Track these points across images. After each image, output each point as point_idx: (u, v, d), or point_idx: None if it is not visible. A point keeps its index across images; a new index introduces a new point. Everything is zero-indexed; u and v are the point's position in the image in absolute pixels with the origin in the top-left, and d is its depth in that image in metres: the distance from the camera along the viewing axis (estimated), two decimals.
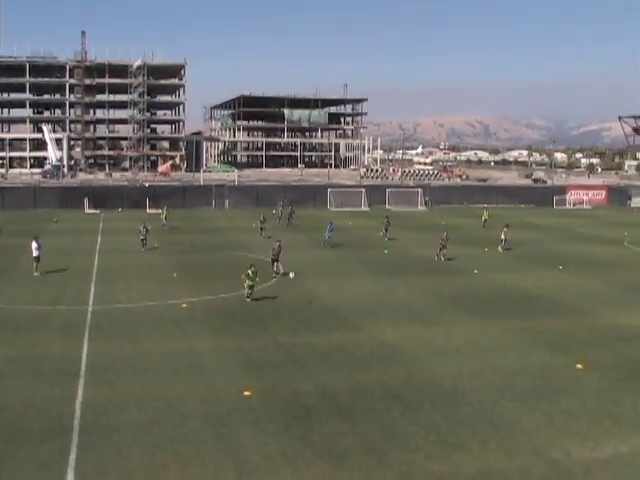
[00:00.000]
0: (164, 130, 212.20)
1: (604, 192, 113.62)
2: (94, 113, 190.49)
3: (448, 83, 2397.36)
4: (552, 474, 18.26)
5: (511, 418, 21.89)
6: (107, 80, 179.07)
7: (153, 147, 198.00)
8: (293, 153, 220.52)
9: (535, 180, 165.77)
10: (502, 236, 56.52)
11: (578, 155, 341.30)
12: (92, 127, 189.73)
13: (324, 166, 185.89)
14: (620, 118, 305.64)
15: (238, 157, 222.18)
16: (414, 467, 18.34)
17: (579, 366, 27.16)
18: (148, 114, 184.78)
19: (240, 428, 20.44)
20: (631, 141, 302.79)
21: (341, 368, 26.27)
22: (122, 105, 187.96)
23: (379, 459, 18.73)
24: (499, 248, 55.95)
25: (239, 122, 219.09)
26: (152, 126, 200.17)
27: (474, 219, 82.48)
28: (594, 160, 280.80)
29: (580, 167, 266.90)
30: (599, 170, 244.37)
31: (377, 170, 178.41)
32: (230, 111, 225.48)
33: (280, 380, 24.70)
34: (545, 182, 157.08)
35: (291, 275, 42.54)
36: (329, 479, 17.56)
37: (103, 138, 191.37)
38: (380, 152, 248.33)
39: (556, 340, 31.00)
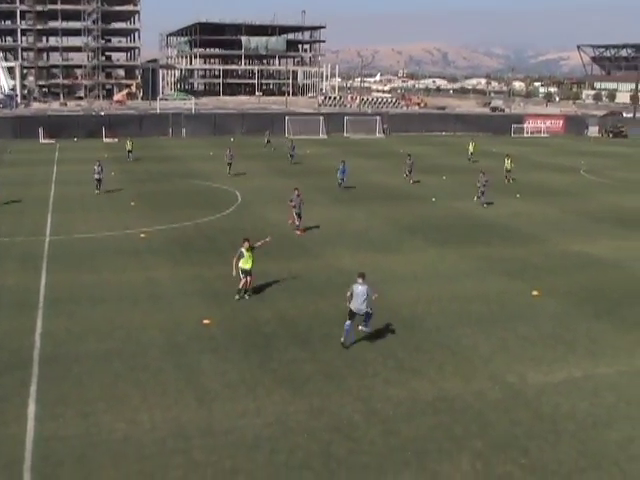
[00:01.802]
0: (119, 58, 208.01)
1: (561, 121, 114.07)
2: (47, 41, 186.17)
3: (407, 10, 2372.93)
4: (507, 398, 18.67)
5: (468, 343, 22.27)
6: (59, 6, 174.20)
7: (108, 75, 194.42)
8: (251, 81, 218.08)
9: (493, 109, 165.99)
10: (507, 166, 56.20)
11: (536, 84, 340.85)
12: (45, 55, 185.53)
13: (282, 94, 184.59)
14: (579, 47, 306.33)
15: (195, 85, 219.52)
16: (372, 392, 18.64)
17: (535, 292, 27.61)
18: (103, 41, 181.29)
19: (200, 356, 20.58)
20: (589, 70, 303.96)
21: (300, 296, 26.45)
22: (76, 32, 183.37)
23: (338, 385, 18.99)
24: (507, 180, 56.07)
25: (196, 49, 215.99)
26: (107, 54, 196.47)
27: (432, 147, 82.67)
28: (552, 89, 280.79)
29: (538, 96, 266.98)
30: (557, 99, 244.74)
31: (335, 98, 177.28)
32: (187, 38, 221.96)
33: (239, 309, 24.82)
34: (503, 110, 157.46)
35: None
36: (289, 405, 17.80)
37: (57, 66, 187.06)
38: (338, 80, 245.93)
39: (512, 267, 31.42)
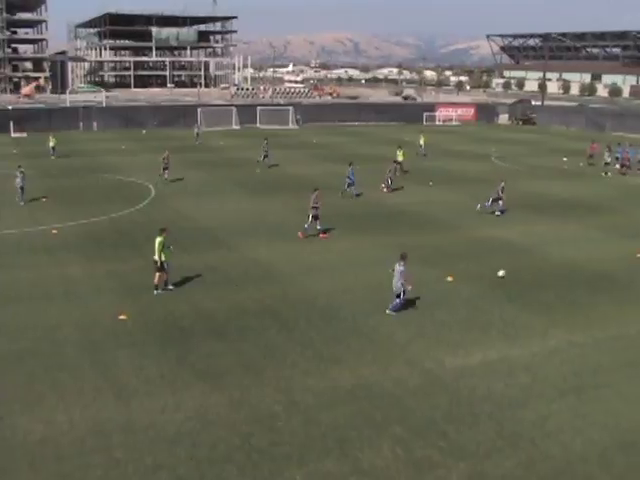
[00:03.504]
0: (26, 50, 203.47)
1: (472, 109, 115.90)
2: None
3: (319, 0, 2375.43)
4: (426, 383, 18.95)
5: (385, 331, 22.50)
6: None
7: (15, 68, 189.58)
8: (162, 72, 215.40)
9: (405, 97, 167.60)
10: (421, 142, 63.78)
11: (447, 73, 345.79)
12: None
13: (194, 85, 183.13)
14: (488, 37, 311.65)
15: (105, 77, 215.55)
16: (292, 383, 18.70)
17: (449, 278, 28.06)
18: (8, 33, 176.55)
19: (117, 353, 20.34)
20: (498, 59, 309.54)
21: (216, 288, 26.35)
22: None
23: (257, 376, 18.99)
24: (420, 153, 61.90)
25: (105, 41, 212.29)
26: (13, 46, 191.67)
27: (345, 136, 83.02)
28: (463, 78, 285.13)
29: (449, 85, 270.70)
30: (468, 88, 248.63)
31: (248, 89, 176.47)
32: (96, 29, 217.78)
33: (155, 303, 24.60)
34: (415, 99, 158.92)
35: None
36: (208, 399, 17.74)
37: None
38: (251, 71, 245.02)
39: (427, 254, 31.83)
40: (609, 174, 57.60)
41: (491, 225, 37.92)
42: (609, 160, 59.95)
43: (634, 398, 18.50)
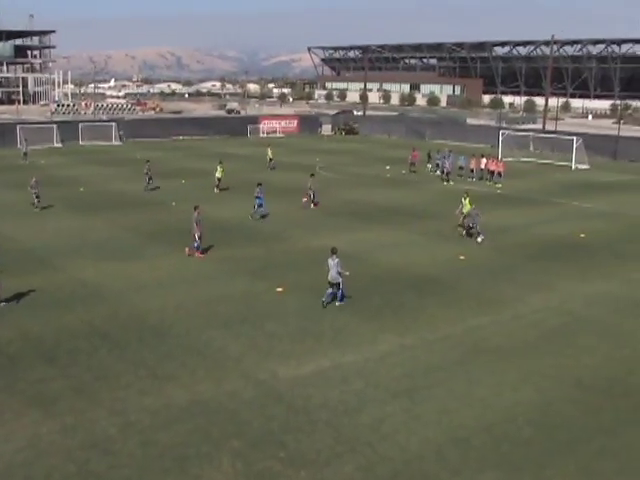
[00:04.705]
0: None
1: (296, 121, 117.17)
2: None
3: (140, 14, 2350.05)
4: (260, 395, 19.04)
5: (218, 345, 22.47)
6: None
7: None
8: None
9: (229, 111, 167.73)
10: (269, 155, 65.66)
11: (270, 85, 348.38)
12: None
13: (12, 102, 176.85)
14: (309, 49, 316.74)
15: None
16: (126, 404, 18.38)
17: (279, 289, 28.33)
18: None
19: None
20: (320, 71, 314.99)
21: (43, 311, 25.54)
22: None
23: (90, 400, 18.55)
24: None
25: None
26: None
27: (170, 151, 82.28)
28: (286, 90, 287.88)
29: (273, 97, 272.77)
30: (291, 100, 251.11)
31: (69, 105, 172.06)
32: None
33: None
34: (239, 112, 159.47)
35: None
36: (41, 426, 17.15)
37: None
38: (71, 86, 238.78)
39: (256, 266, 32.04)
40: (451, 182, 59.23)
41: (319, 235, 38.52)
42: (449, 169, 61.74)
43: (464, 395, 19.28)
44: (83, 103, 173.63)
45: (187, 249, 34.17)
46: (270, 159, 67.00)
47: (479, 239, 37.71)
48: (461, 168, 62.62)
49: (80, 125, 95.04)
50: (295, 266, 32.32)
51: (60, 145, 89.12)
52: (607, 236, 40.39)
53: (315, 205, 47.25)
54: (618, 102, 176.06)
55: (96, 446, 16.36)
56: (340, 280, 26.35)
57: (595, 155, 78.78)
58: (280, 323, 24.64)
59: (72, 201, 48.26)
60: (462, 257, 34.39)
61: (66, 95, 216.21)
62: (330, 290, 26.61)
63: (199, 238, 33.86)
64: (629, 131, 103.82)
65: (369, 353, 22.15)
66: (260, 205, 42.94)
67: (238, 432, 17.04)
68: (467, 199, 39.72)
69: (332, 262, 26.26)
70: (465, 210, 39.57)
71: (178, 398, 18.76)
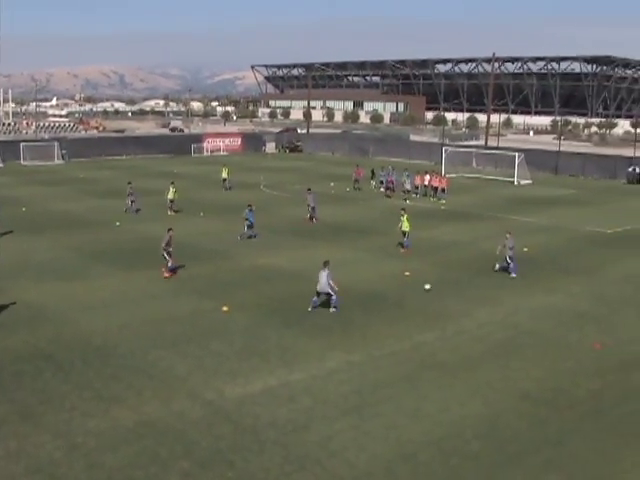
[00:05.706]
0: None
1: (240, 139, 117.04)
2: None
3: (81, 32, 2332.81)
4: (208, 414, 18.90)
5: (164, 365, 22.27)
6: None
7: None
8: None
9: (172, 129, 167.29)
10: (224, 175, 65.12)
11: (214, 103, 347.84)
12: None
13: None
14: (253, 67, 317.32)
15: None
16: (71, 426, 18.09)
17: (225, 308, 28.18)
18: None
19: None
20: (264, 89, 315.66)
21: None
22: None
23: (35, 424, 18.22)
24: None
25: None
26: None
27: (113, 170, 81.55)
28: (229, 108, 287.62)
29: (216, 115, 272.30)
30: (235, 118, 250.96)
31: (9, 124, 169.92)
32: None
33: None
34: (182, 131, 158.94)
35: None
36: None
37: None
38: (12, 105, 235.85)
39: (201, 285, 31.88)
40: (408, 201, 58.10)
41: (264, 253, 38.49)
42: (409, 187, 61.94)
43: (411, 410, 19.35)
44: (24, 122, 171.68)
45: (164, 271, 33.70)
46: (224, 179, 66.40)
47: (512, 274, 34.51)
48: (407, 192, 62.04)
49: (21, 144, 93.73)
50: (240, 284, 32.21)
51: (1, 165, 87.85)
52: (549, 250, 41.04)
53: (313, 220, 48.49)
54: (558, 118, 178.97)
55: (41, 471, 16.06)
56: (329, 290, 27.81)
57: (537, 170, 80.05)
58: (226, 342, 24.51)
59: (14, 221, 47.49)
60: (407, 273, 34.57)
61: (7, 114, 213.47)
62: (315, 298, 28.18)
63: (169, 255, 33.65)
64: (569, 146, 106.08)
65: (317, 370, 22.13)
66: (250, 226, 42.62)
67: (186, 452, 16.88)
68: (405, 216, 39.76)
69: (323, 273, 27.70)
70: (404, 228, 39.59)
71: (125, 419, 18.53)
